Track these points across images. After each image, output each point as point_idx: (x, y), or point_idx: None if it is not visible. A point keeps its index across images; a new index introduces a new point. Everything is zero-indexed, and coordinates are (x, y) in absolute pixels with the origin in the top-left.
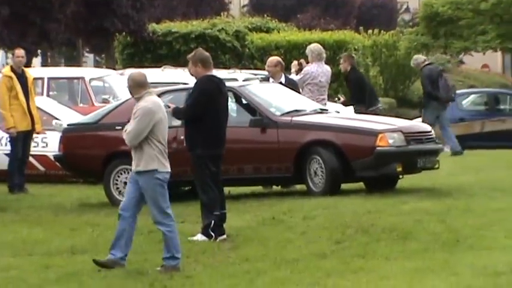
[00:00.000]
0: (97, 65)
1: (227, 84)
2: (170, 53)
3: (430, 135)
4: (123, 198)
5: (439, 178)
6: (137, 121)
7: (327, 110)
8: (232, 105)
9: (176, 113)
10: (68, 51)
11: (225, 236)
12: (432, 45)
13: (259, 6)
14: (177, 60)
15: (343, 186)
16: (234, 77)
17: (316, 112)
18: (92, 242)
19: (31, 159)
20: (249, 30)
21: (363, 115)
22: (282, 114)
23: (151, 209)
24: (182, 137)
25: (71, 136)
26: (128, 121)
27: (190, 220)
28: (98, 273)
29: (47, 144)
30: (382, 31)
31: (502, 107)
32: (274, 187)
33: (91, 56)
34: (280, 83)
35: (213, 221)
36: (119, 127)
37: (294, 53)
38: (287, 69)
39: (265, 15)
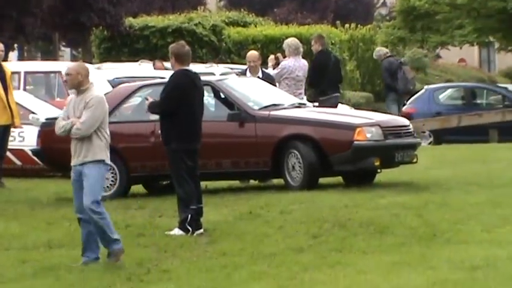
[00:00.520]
0: (74, 59)
1: (205, 78)
2: (147, 47)
3: (408, 129)
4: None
5: (416, 172)
6: (93, 110)
7: (305, 104)
8: (210, 99)
9: (151, 107)
10: (45, 46)
11: (202, 231)
12: (409, 39)
13: (236, 0)
14: (154, 54)
15: (321, 180)
16: (211, 71)
17: (294, 106)
18: (69, 236)
19: (8, 153)
20: (226, 25)
21: (335, 109)
22: (260, 109)
23: (85, 195)
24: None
25: (49, 130)
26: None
27: (167, 214)
28: (75, 267)
29: (24, 139)
30: (359, 25)
31: (478, 101)
32: (252, 181)
33: (68, 50)
34: (258, 77)
35: (189, 215)
36: None
37: (271, 47)
38: (264, 63)
39: (242, 10)
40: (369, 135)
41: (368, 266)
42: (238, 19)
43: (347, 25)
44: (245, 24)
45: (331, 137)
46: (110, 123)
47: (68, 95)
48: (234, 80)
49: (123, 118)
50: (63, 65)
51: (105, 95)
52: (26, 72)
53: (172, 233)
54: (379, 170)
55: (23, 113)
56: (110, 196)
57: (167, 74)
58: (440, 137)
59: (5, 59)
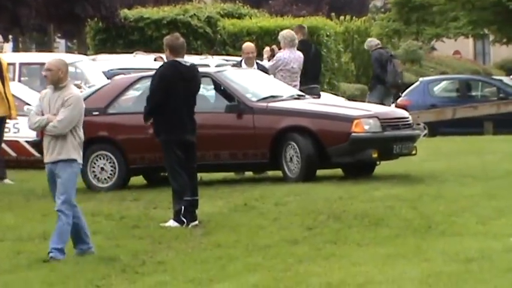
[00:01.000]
0: (68, 50)
1: (204, 69)
2: (142, 38)
3: (407, 121)
4: (99, 184)
5: (411, 164)
6: (71, 108)
7: (304, 95)
8: (209, 91)
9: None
10: (39, 37)
11: (197, 222)
12: (404, 31)
13: None
14: (149, 46)
15: (317, 172)
16: (205, 63)
17: (293, 98)
18: None
19: (3, 144)
20: (221, 16)
21: (334, 101)
22: (258, 100)
23: (58, 196)
24: None
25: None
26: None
27: (162, 206)
28: (69, 258)
29: (19, 130)
30: (354, 17)
31: (473, 93)
32: (247, 173)
33: (62, 41)
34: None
35: (183, 207)
36: (96, 112)
37: (266, 39)
38: (259, 55)
39: (237, 1)
40: (366, 127)
41: (363, 258)
42: (233, 11)
43: (342, 17)
44: (240, 16)
45: (328, 129)
46: (109, 114)
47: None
48: (233, 72)
49: (122, 110)
50: (58, 56)
51: (104, 86)
52: (21, 64)
53: (167, 224)
54: (378, 162)
55: (18, 104)
56: (109, 188)
57: None
58: (435, 129)
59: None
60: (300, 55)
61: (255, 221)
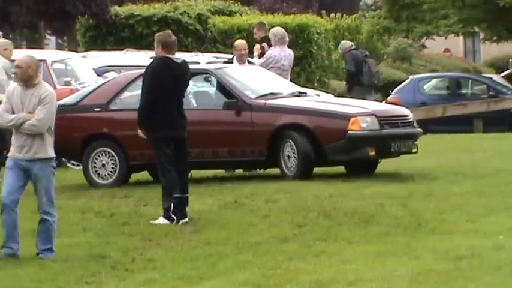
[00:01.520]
0: (59, 47)
1: (204, 66)
2: (132, 36)
3: (408, 119)
4: (101, 180)
5: (401, 162)
6: (49, 106)
7: (305, 93)
8: (208, 87)
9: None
10: (30, 34)
11: (187, 220)
12: (394, 29)
13: None
14: (140, 43)
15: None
16: (196, 60)
17: (293, 95)
18: None
19: None
20: (212, 14)
21: (334, 98)
22: (257, 97)
23: (41, 198)
24: None
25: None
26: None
27: (152, 203)
28: (59, 256)
29: None
30: (344, 15)
31: (463, 91)
32: (237, 171)
33: (53, 38)
34: None
35: (173, 204)
36: (98, 109)
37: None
38: (250, 52)
39: None
40: (363, 125)
41: (353, 255)
42: (223, 8)
43: (332, 15)
44: (230, 14)
45: (325, 127)
46: (110, 110)
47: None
48: (235, 69)
49: (123, 106)
50: (48, 54)
51: (106, 82)
52: (11, 61)
53: (157, 222)
54: (379, 160)
55: None
56: (110, 184)
57: None
58: (425, 127)
59: None
60: (290, 52)
61: (245, 219)
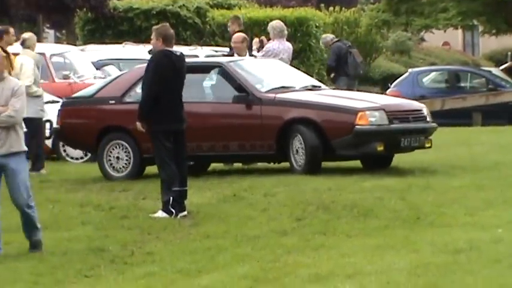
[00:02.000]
0: (58, 41)
1: (215, 59)
2: (131, 29)
3: (420, 113)
4: (115, 173)
5: (399, 155)
6: (22, 98)
7: (320, 86)
8: (220, 80)
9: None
10: (29, 27)
11: (185, 213)
12: (393, 22)
13: None
14: (138, 36)
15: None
16: (195, 53)
17: (305, 89)
18: (53, 218)
19: None
20: (210, 7)
21: (346, 92)
22: (267, 91)
23: (20, 193)
24: None
25: (68, 109)
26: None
27: (151, 197)
28: (58, 249)
29: None
30: (343, 8)
31: (462, 84)
32: (236, 164)
33: (52, 32)
34: None
35: (171, 197)
36: (112, 101)
37: (255, 30)
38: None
39: None
40: (372, 120)
41: (352, 248)
42: (222, 1)
43: (331, 8)
44: (229, 7)
45: (333, 121)
46: (125, 103)
47: (53, 77)
48: (249, 62)
49: (137, 99)
50: (47, 47)
51: (121, 75)
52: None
53: (156, 215)
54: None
55: None
56: (124, 177)
57: None
58: None
59: None
60: (289, 46)
61: (244, 212)
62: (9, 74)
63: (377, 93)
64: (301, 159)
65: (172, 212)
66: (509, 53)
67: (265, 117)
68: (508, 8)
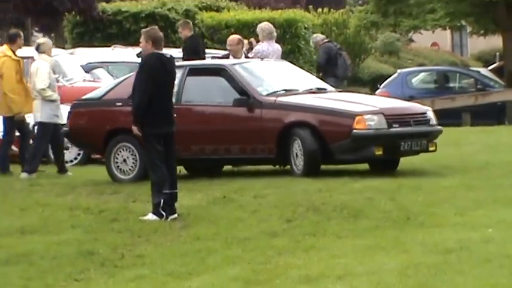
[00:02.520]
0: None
1: (219, 61)
2: (120, 32)
3: (423, 117)
4: (122, 175)
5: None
6: None
7: (325, 89)
8: (223, 83)
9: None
10: None
11: (176, 215)
12: (382, 23)
13: None
14: (127, 39)
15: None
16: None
17: (309, 91)
18: (42, 222)
19: None
20: (199, 9)
21: (350, 95)
22: (268, 94)
23: None
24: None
25: (77, 111)
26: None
27: (141, 199)
28: (48, 253)
29: None
30: (331, 10)
31: (451, 84)
32: (225, 166)
33: (40, 35)
34: None
35: (162, 200)
36: (119, 103)
37: (244, 31)
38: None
39: None
40: (370, 124)
41: (342, 249)
42: (211, 4)
43: (320, 9)
44: (218, 9)
45: (331, 125)
46: (131, 105)
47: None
48: (255, 64)
49: None
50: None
51: (129, 77)
52: None
53: (146, 218)
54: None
55: None
56: (131, 179)
57: None
58: None
59: None
60: (278, 48)
61: (234, 214)
62: (21, 78)
63: (366, 93)
64: (300, 163)
65: (163, 215)
66: (497, 54)
67: (265, 121)
68: (495, 8)
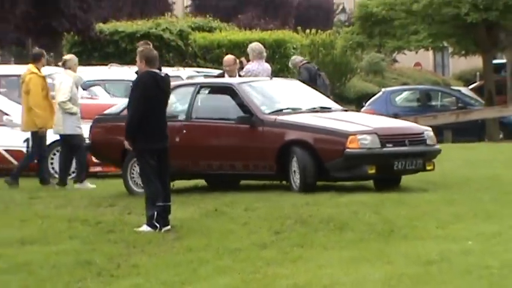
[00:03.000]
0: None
1: (226, 80)
2: (116, 51)
3: (419, 136)
4: (138, 189)
5: None
6: None
7: (330, 108)
8: (230, 102)
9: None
10: (18, 50)
11: (169, 227)
12: (367, 44)
13: (201, 6)
14: (123, 58)
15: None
16: (177, 74)
17: (312, 111)
18: (42, 233)
19: None
20: (192, 30)
21: (351, 114)
22: (270, 113)
23: None
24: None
25: (98, 126)
26: None
27: (136, 212)
28: (47, 262)
29: None
30: (319, 31)
31: (433, 103)
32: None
33: None
34: None
35: (155, 212)
36: None
37: (235, 51)
38: None
39: (208, 16)
40: (363, 143)
41: (328, 260)
42: (204, 24)
43: (308, 30)
44: (210, 30)
45: (326, 144)
46: None
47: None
48: (264, 83)
49: None
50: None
51: None
52: (0, 76)
53: (140, 229)
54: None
55: None
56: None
57: None
58: None
59: None
60: (268, 67)
61: (226, 226)
62: (47, 94)
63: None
64: (298, 180)
65: (157, 226)
66: (477, 73)
67: (266, 138)
68: (476, 30)
